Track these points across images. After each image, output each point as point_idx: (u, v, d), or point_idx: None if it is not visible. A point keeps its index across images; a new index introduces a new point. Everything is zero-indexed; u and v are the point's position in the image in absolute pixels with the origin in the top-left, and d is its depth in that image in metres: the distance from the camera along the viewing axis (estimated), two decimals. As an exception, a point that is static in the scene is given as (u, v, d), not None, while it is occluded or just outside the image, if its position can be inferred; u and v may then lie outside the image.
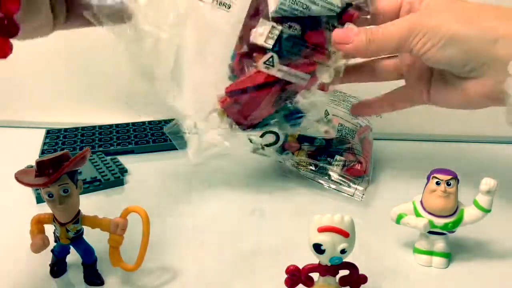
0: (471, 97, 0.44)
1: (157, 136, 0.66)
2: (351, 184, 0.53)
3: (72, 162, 0.36)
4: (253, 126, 0.51)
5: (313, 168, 0.54)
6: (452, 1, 0.44)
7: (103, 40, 0.70)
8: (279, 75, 0.46)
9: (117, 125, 0.70)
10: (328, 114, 0.58)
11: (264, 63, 0.45)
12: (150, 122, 0.71)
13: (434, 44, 0.41)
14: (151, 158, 0.62)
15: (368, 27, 0.45)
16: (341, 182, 0.53)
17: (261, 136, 0.54)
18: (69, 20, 0.40)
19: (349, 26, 0.45)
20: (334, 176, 0.53)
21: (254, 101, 0.48)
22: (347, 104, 0.60)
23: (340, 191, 0.52)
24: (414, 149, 0.66)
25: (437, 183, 0.40)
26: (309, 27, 0.45)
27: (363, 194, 0.52)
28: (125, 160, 0.60)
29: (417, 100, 0.50)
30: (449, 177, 0.40)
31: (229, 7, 0.46)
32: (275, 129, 0.53)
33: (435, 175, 0.40)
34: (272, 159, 0.57)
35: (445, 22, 0.41)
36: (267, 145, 0.54)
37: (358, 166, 0.54)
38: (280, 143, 0.54)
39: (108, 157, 0.60)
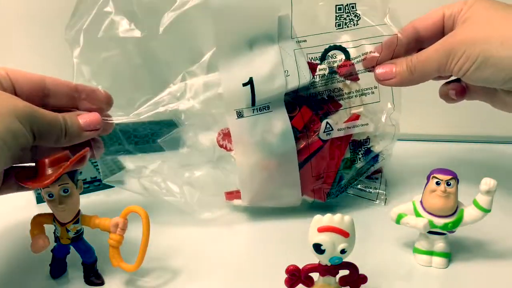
0: None
1: (157, 136, 0.66)
2: (371, 190, 0.53)
3: (72, 162, 0.36)
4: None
5: None
6: (489, 9, 0.42)
7: (104, 39, 0.70)
8: (342, 133, 0.48)
9: (117, 125, 0.70)
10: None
11: (324, 132, 0.47)
12: (150, 122, 0.71)
13: (470, 66, 0.41)
14: (151, 158, 0.62)
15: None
16: (361, 188, 0.53)
17: None
18: (3, 190, 0.41)
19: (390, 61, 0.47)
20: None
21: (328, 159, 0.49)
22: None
23: (363, 197, 0.52)
24: (414, 149, 0.66)
25: (437, 183, 0.40)
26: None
27: (386, 198, 0.52)
28: (125, 160, 0.60)
29: (474, 97, 0.49)
30: (449, 177, 0.40)
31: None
32: None
33: (435, 175, 0.40)
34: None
35: (479, 42, 0.41)
36: None
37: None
38: None
39: (108, 157, 0.60)
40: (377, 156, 0.52)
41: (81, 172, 0.54)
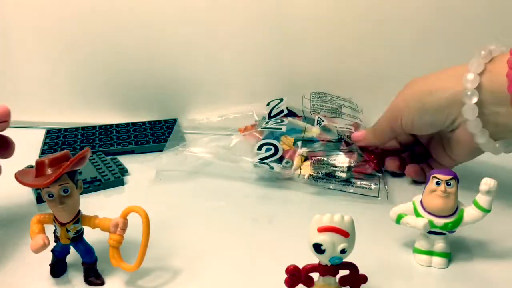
0: (467, 144, 0.49)
1: (157, 136, 0.66)
2: (372, 185, 0.53)
3: (72, 162, 0.36)
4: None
5: (321, 176, 0.54)
6: (415, 79, 0.52)
7: (104, 40, 0.70)
8: None
9: (117, 125, 0.70)
10: (323, 121, 0.58)
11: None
12: (150, 122, 0.71)
13: (413, 117, 0.50)
14: (151, 158, 0.62)
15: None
16: (361, 186, 0.53)
17: (258, 148, 0.55)
18: None
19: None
20: (343, 175, 0.54)
21: None
22: (333, 105, 0.62)
23: (364, 195, 0.52)
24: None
25: (437, 183, 0.40)
26: None
27: (388, 192, 0.52)
28: (125, 160, 0.60)
29: (443, 161, 0.54)
30: (449, 177, 0.40)
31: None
32: (272, 141, 0.55)
33: (435, 175, 0.40)
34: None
35: (414, 95, 0.50)
36: (263, 159, 0.54)
37: (366, 164, 0.55)
38: (278, 155, 0.54)
39: (108, 157, 0.60)
40: None
41: (81, 172, 0.54)
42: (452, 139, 0.50)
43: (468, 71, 0.46)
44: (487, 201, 0.39)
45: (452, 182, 0.40)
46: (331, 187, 0.53)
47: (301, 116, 0.61)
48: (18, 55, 0.71)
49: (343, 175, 0.54)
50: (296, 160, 0.55)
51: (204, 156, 0.57)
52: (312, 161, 0.55)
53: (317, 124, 0.58)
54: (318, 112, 0.60)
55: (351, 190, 0.53)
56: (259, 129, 0.59)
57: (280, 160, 0.55)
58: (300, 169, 0.55)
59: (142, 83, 0.71)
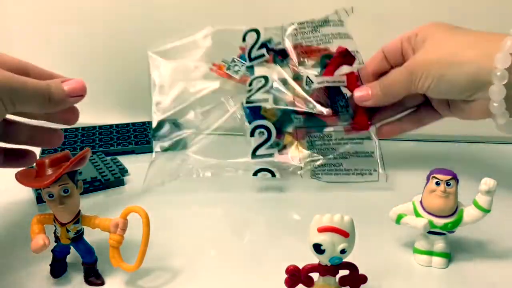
0: (476, 114, 0.49)
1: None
2: (371, 171, 0.53)
3: (72, 162, 0.36)
4: None
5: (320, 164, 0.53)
6: (441, 31, 0.49)
7: (104, 40, 0.70)
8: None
9: (117, 125, 0.70)
10: (312, 82, 0.54)
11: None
12: (149, 122, 0.71)
13: (430, 84, 0.48)
14: (151, 158, 0.62)
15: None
16: (361, 171, 0.53)
17: (251, 134, 0.53)
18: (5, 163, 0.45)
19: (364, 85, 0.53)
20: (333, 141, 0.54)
21: None
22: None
23: (364, 181, 0.53)
24: (414, 149, 0.66)
25: (437, 183, 0.40)
26: None
27: (387, 175, 0.53)
28: (125, 160, 0.60)
29: (443, 114, 0.54)
30: (449, 177, 0.40)
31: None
32: (264, 122, 0.52)
33: (434, 175, 0.40)
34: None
35: (433, 63, 0.48)
36: (256, 149, 0.53)
37: (356, 121, 0.54)
38: (273, 139, 0.53)
39: (108, 157, 0.60)
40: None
41: (81, 172, 0.54)
42: (465, 108, 0.49)
43: (501, 50, 0.44)
44: (487, 201, 0.39)
45: (451, 182, 0.40)
46: (333, 180, 0.53)
47: (273, 53, 0.56)
48: (17, 56, 0.71)
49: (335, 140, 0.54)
50: (285, 139, 0.54)
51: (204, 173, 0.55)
52: (300, 139, 0.53)
53: (306, 85, 0.53)
54: (301, 45, 0.55)
55: (352, 180, 0.53)
56: (245, 104, 0.53)
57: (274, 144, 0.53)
58: (290, 149, 0.53)
59: (142, 83, 0.71)
